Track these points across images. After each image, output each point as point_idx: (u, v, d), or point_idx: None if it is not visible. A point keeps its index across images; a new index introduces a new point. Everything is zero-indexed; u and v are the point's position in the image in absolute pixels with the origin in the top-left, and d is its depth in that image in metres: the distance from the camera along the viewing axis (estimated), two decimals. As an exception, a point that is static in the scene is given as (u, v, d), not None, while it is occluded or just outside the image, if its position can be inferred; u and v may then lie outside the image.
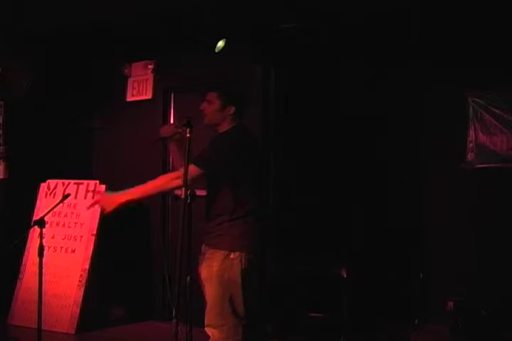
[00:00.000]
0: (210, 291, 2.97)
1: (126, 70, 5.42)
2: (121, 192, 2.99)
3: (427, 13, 4.29)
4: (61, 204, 3.79)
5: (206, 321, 2.97)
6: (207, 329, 2.97)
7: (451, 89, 4.70)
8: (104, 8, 4.48)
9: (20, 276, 4.97)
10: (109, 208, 2.96)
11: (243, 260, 2.96)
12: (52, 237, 4.92)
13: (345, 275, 3.91)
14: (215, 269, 2.95)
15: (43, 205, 5.05)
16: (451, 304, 4.46)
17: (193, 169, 2.91)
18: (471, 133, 4.70)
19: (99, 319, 4.88)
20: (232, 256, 2.95)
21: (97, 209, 4.87)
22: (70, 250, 4.92)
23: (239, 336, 2.94)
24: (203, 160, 2.97)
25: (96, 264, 4.82)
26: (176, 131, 3.18)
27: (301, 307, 4.54)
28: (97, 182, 5.04)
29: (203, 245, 3.12)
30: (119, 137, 5.55)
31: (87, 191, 5.04)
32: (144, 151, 5.31)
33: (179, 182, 2.92)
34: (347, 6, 4.26)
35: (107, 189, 4.80)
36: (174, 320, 2.89)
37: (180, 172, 2.93)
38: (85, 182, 5.09)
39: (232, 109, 3.12)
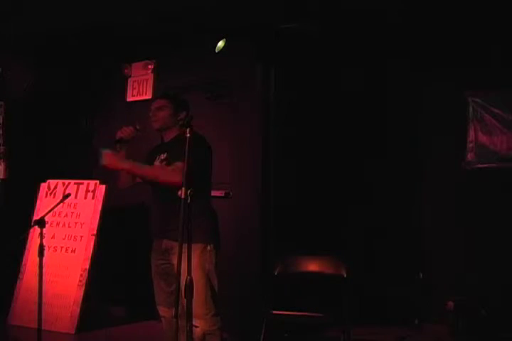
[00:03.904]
0: (194, 283, 3.01)
1: (126, 70, 5.42)
2: (126, 161, 3.19)
3: (428, 12, 4.29)
4: (61, 204, 3.79)
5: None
6: (194, 322, 3.04)
7: (451, 89, 4.71)
8: (104, 8, 4.48)
9: (20, 276, 4.97)
10: (109, 165, 3.14)
11: (216, 252, 3.17)
12: (53, 237, 4.92)
13: (345, 275, 3.91)
14: (196, 261, 3.03)
15: (43, 205, 5.05)
16: (451, 304, 4.47)
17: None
18: (471, 133, 4.71)
19: (99, 319, 4.88)
20: (208, 248, 3.15)
21: (98, 210, 4.94)
22: (70, 250, 4.92)
23: (219, 323, 3.14)
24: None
25: (96, 264, 4.82)
26: (135, 134, 3.28)
27: (301, 307, 4.53)
28: (97, 182, 5.04)
29: (164, 240, 3.19)
30: (119, 137, 5.54)
31: (87, 191, 5.04)
32: (143, 151, 5.31)
33: (178, 178, 2.93)
34: (347, 6, 4.26)
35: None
36: (174, 320, 2.91)
37: (180, 167, 2.98)
38: (85, 182, 5.09)
39: (184, 114, 3.29)
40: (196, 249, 3.05)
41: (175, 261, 3.05)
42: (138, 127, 3.30)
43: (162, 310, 3.30)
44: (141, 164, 3.26)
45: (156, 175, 3.16)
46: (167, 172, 3.11)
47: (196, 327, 3.06)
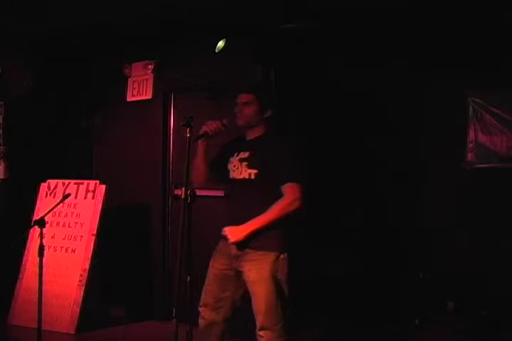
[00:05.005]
0: (265, 293, 2.96)
1: (126, 70, 5.41)
2: (249, 226, 2.97)
3: (428, 12, 4.29)
4: (61, 204, 3.80)
5: (260, 323, 2.97)
6: (261, 333, 2.97)
7: (451, 89, 4.71)
8: (104, 8, 4.48)
9: (20, 276, 4.97)
10: (236, 238, 2.97)
11: (288, 260, 3.02)
12: (53, 237, 4.92)
13: (345, 276, 3.92)
14: (268, 271, 2.96)
15: (43, 205, 5.05)
16: (451, 304, 4.47)
17: (299, 188, 2.97)
18: (471, 133, 4.71)
19: (99, 319, 4.88)
20: (281, 256, 3.00)
21: (98, 210, 4.94)
22: (70, 250, 4.92)
23: (286, 335, 3.00)
24: (302, 177, 3.01)
25: (96, 264, 4.82)
26: (221, 129, 3.08)
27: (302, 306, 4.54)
28: (97, 182, 5.04)
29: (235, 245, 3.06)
30: (119, 137, 5.55)
31: (87, 191, 5.04)
32: (144, 151, 5.32)
33: (298, 204, 2.97)
34: (347, 6, 4.26)
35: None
36: (174, 320, 2.90)
37: (292, 195, 2.96)
38: (85, 182, 5.09)
39: (270, 112, 3.13)
40: (269, 257, 2.98)
41: (245, 269, 3.02)
42: (225, 122, 3.10)
43: (204, 312, 3.15)
44: (262, 217, 2.99)
45: (282, 214, 2.99)
46: (289, 206, 2.99)
47: (261, 337, 2.98)
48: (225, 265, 3.11)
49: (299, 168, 3.03)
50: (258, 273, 2.97)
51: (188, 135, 2.93)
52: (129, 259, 5.19)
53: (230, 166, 3.15)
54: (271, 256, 2.98)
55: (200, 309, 3.17)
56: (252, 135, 3.17)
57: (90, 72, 5.60)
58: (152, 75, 5.28)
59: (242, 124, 3.15)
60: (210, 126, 3.07)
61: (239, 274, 3.06)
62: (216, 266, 3.16)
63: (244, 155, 3.10)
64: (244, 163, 3.08)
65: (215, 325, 3.10)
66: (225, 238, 3.08)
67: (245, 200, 3.02)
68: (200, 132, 3.06)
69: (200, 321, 3.17)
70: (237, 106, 3.16)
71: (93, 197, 5.00)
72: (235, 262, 3.06)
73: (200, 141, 3.10)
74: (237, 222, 3.03)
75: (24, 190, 5.16)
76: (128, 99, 5.47)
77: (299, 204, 2.97)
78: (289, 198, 2.98)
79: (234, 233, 2.98)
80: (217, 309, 3.10)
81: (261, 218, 2.97)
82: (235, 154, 3.15)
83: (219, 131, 3.07)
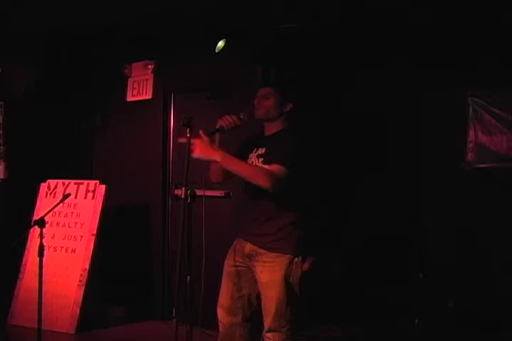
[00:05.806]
0: (276, 296, 2.91)
1: (126, 70, 5.42)
2: (220, 152, 2.86)
3: (427, 13, 4.29)
4: (61, 204, 3.79)
5: (268, 325, 2.93)
6: (268, 335, 2.94)
7: (451, 89, 4.71)
8: (104, 8, 4.48)
9: (20, 276, 4.97)
10: (199, 155, 2.84)
11: (303, 264, 2.97)
12: (53, 237, 4.92)
13: (344, 275, 3.92)
14: (280, 274, 2.90)
15: (43, 205, 5.05)
16: (451, 304, 4.47)
17: (281, 169, 2.82)
18: (471, 133, 4.71)
19: (99, 319, 4.89)
20: (296, 260, 2.94)
21: (98, 210, 4.94)
22: (70, 250, 4.92)
23: (293, 337, 2.96)
24: (290, 161, 2.86)
25: (96, 264, 4.82)
26: (237, 123, 2.99)
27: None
28: (97, 182, 5.05)
29: (248, 244, 3.03)
30: (119, 137, 5.55)
31: (87, 191, 5.04)
32: (144, 151, 5.32)
33: (270, 182, 2.79)
34: (347, 6, 4.26)
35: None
36: (174, 320, 2.89)
37: (276, 171, 2.81)
38: (85, 182, 5.10)
39: (290, 106, 3.07)
40: (283, 260, 2.92)
41: (258, 269, 2.97)
42: (242, 116, 3.00)
43: (221, 315, 3.09)
44: (237, 158, 2.92)
45: (250, 175, 2.86)
46: (261, 174, 2.83)
47: (268, 338, 2.94)
48: (239, 262, 3.07)
49: (293, 158, 2.88)
50: (270, 276, 2.92)
51: (188, 135, 2.91)
52: (129, 259, 5.19)
53: (248, 162, 3.07)
54: (285, 258, 2.92)
55: (217, 310, 3.12)
56: (270, 130, 3.11)
57: (90, 72, 5.60)
58: (152, 75, 5.29)
59: (260, 115, 3.08)
60: (225, 121, 2.98)
61: (253, 272, 3.02)
62: (229, 263, 3.11)
63: (262, 151, 3.04)
64: (261, 159, 3.01)
65: (236, 326, 3.05)
66: (242, 237, 3.07)
67: (260, 197, 2.93)
68: (216, 127, 2.99)
69: (219, 325, 3.13)
70: (256, 98, 3.11)
71: (93, 197, 5.00)
72: (248, 261, 3.03)
73: (217, 135, 3.01)
74: (254, 223, 3.00)
75: (24, 190, 5.16)
76: (128, 99, 5.48)
77: (270, 185, 2.80)
78: (271, 172, 2.82)
79: (202, 147, 2.84)
80: (234, 310, 3.05)
81: (235, 160, 2.87)
82: (254, 150, 3.08)
83: (235, 125, 2.98)
